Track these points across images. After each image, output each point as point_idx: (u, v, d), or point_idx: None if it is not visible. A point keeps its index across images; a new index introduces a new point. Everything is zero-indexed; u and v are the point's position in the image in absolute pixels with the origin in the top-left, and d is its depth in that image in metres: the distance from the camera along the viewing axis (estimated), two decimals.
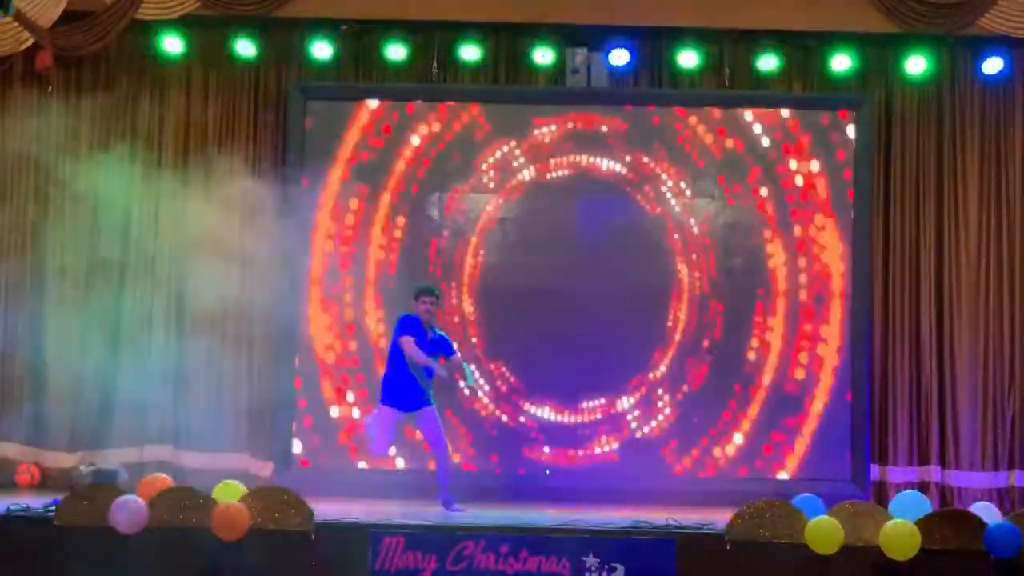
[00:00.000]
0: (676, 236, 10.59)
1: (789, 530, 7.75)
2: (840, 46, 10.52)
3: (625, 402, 10.50)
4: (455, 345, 9.36)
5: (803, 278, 10.59)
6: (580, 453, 10.49)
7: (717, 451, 10.47)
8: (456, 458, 10.18)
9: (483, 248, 10.64)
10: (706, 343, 10.55)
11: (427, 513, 8.67)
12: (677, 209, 10.60)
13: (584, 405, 10.48)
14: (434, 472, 9.26)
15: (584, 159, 10.65)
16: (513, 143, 10.66)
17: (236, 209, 10.58)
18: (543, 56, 10.58)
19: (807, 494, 8.20)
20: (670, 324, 10.55)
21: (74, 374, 10.53)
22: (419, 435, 9.46)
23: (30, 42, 10.34)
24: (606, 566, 7.79)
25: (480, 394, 10.46)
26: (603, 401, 10.48)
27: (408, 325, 9.05)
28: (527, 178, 10.65)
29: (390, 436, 9.15)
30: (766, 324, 10.55)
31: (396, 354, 9.06)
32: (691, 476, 10.43)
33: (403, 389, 9.04)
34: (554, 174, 10.64)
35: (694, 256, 10.57)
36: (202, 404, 10.61)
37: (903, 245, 10.72)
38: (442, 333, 9.29)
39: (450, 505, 8.99)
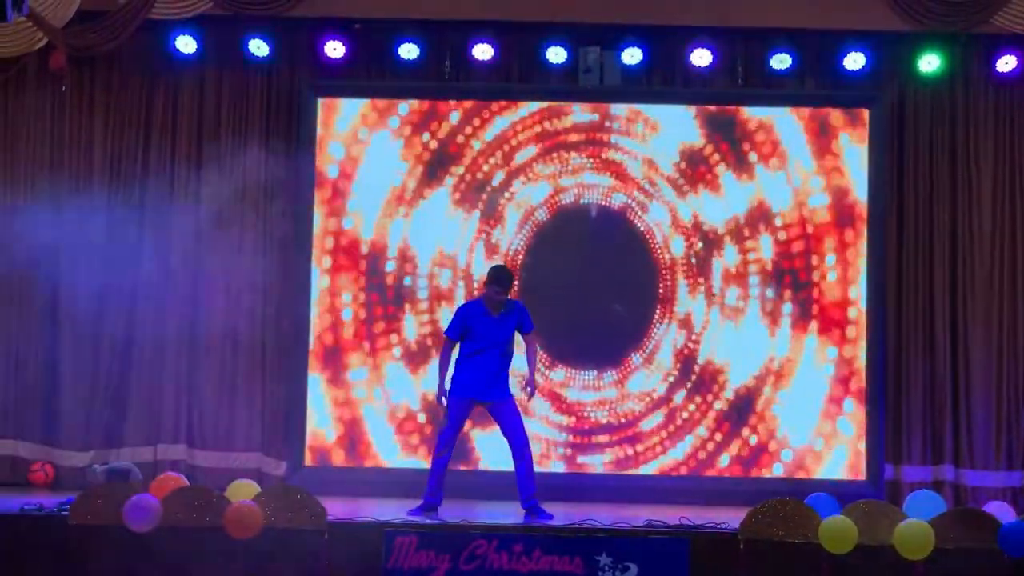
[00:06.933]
0: (688, 230, 10.59)
1: (803, 529, 7.74)
2: (853, 44, 10.48)
3: (636, 404, 10.50)
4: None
5: (816, 276, 10.56)
6: (597, 454, 10.50)
7: (731, 449, 10.45)
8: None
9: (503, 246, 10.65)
10: (715, 340, 10.55)
11: (440, 512, 8.67)
12: (688, 202, 10.61)
13: (590, 407, 10.52)
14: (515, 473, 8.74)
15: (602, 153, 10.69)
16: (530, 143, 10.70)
17: (249, 208, 10.64)
18: (556, 55, 10.57)
19: (821, 493, 8.19)
20: (682, 321, 10.56)
21: (88, 373, 10.57)
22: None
23: (44, 42, 10.37)
24: (619, 565, 7.79)
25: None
26: (612, 403, 10.51)
27: (457, 316, 8.82)
28: (540, 173, 10.68)
29: (456, 425, 8.77)
30: (779, 323, 10.53)
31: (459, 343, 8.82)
32: (704, 475, 10.41)
33: (469, 377, 8.72)
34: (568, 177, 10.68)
35: (708, 254, 10.57)
36: (215, 403, 10.63)
37: (917, 243, 10.67)
38: (519, 305, 8.84)
39: (535, 511, 8.61)
